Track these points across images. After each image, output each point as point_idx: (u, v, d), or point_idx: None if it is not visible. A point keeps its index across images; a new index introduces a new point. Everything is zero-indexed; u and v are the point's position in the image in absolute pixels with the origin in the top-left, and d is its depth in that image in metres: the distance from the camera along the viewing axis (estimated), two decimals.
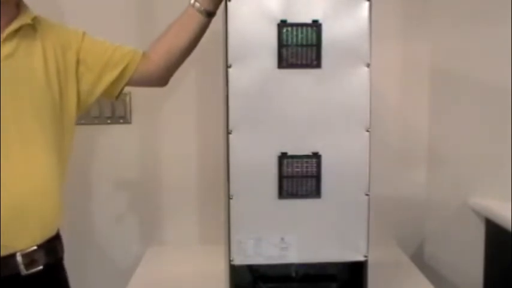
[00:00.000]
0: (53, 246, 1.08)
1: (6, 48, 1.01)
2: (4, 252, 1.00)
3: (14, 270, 1.01)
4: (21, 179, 1.00)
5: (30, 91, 1.03)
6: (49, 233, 1.07)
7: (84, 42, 1.12)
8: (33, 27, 1.05)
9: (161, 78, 1.20)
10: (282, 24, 1.03)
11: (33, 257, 1.03)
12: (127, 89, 1.20)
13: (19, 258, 1.01)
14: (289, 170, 1.06)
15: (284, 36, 1.03)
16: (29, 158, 1.02)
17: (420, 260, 1.65)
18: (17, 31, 1.02)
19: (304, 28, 1.03)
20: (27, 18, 1.04)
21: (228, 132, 1.05)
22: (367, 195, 1.08)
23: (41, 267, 1.04)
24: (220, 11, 1.14)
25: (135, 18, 1.57)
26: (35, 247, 1.03)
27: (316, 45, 1.04)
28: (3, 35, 1.01)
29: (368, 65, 1.05)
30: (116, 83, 1.15)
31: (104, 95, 1.15)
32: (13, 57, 1.02)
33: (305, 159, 1.06)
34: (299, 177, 1.07)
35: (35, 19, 1.06)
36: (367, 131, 1.06)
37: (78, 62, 1.11)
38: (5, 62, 1.00)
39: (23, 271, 1.02)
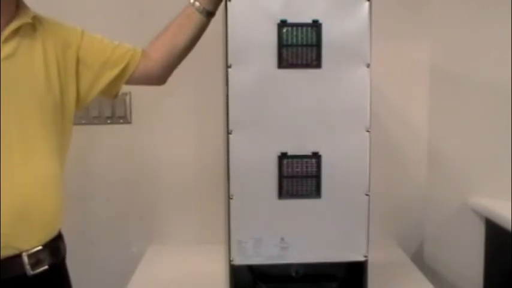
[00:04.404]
0: (56, 246, 1.09)
1: (7, 48, 1.00)
2: (10, 253, 1.00)
3: (20, 271, 1.01)
4: (25, 178, 1.00)
5: (31, 91, 1.03)
6: (53, 232, 1.07)
7: (83, 41, 1.12)
8: (33, 26, 1.05)
9: (160, 77, 1.20)
10: (282, 24, 1.03)
11: (39, 256, 1.03)
12: (127, 89, 1.20)
13: (25, 258, 1.01)
14: (289, 170, 1.06)
15: (284, 36, 1.03)
16: (31, 158, 1.02)
17: (420, 260, 1.65)
18: (16, 31, 1.02)
19: (304, 28, 1.03)
20: (27, 17, 1.03)
21: (228, 132, 1.05)
22: (367, 195, 1.08)
23: (46, 266, 1.04)
24: (220, 11, 1.14)
25: (135, 14, 1.56)
26: (40, 247, 1.03)
27: (316, 45, 1.04)
28: (4, 34, 1.00)
29: (368, 65, 1.05)
30: (114, 82, 1.15)
31: (102, 93, 1.15)
32: (13, 57, 1.01)
33: (305, 159, 1.06)
34: (299, 177, 1.07)
35: (35, 18, 1.05)
36: (367, 131, 1.06)
37: (77, 61, 1.11)
38: (6, 62, 1.00)
39: (29, 271, 1.02)
